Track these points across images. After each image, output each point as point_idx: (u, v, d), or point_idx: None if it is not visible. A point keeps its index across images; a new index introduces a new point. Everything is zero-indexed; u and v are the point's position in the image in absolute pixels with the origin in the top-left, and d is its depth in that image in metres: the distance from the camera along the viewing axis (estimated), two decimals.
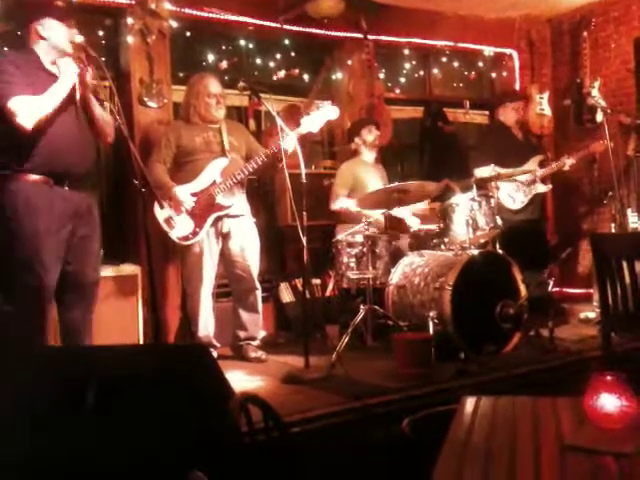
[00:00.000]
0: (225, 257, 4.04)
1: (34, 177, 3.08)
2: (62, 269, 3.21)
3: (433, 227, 4.34)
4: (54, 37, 3.14)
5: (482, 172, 4.89)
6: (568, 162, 5.05)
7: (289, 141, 3.72)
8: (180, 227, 3.87)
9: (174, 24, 4.67)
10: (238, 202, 4.00)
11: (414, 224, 4.69)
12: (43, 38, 3.15)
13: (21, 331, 3.14)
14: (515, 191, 5.04)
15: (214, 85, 3.97)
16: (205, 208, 3.88)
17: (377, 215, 4.34)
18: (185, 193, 3.87)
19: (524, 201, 5.05)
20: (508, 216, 4.79)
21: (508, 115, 5.19)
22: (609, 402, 1.52)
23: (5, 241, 3.12)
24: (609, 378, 1.55)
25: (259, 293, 4.12)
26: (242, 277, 4.04)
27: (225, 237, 4.00)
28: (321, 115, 3.85)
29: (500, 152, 4.98)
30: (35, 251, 3.07)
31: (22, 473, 1.60)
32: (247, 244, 4.04)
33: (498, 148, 5.05)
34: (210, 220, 3.89)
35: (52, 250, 3.12)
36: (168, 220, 3.89)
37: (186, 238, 3.89)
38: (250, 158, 3.99)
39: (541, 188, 5.10)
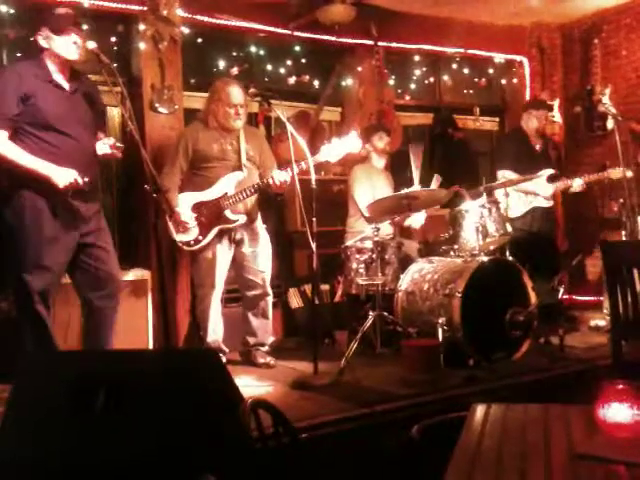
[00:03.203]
0: (237, 263, 4.04)
1: (40, 188, 3.09)
2: (83, 275, 3.27)
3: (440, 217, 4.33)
4: (54, 46, 3.14)
5: (508, 176, 4.87)
6: (574, 185, 5.00)
7: (282, 175, 3.75)
8: (185, 232, 3.90)
9: (186, 30, 4.70)
10: (249, 212, 3.99)
11: (418, 222, 4.68)
12: (46, 48, 3.16)
13: (25, 336, 3.17)
14: (517, 199, 5.00)
15: (236, 95, 3.88)
16: (211, 218, 3.89)
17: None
18: (185, 207, 3.87)
19: (522, 211, 5.02)
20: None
21: (529, 122, 5.15)
22: (620, 411, 1.51)
23: (11, 248, 3.16)
24: (620, 387, 1.54)
25: (270, 299, 4.12)
26: (254, 283, 4.04)
27: (238, 243, 4.01)
28: (342, 146, 3.79)
29: (516, 158, 4.98)
30: (37, 261, 3.11)
31: (36, 474, 1.61)
32: (260, 250, 4.04)
33: (515, 154, 5.04)
34: (214, 231, 3.89)
35: (54, 260, 3.15)
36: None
37: (188, 244, 3.91)
38: (261, 168, 4.04)
39: (542, 202, 5.03)
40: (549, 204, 5.12)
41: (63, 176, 3.06)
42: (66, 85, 3.22)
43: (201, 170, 3.95)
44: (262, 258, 4.04)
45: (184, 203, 3.89)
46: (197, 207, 3.90)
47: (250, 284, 4.05)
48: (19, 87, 3.07)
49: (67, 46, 3.13)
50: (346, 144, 3.79)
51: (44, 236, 3.11)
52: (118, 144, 3.29)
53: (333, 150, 3.78)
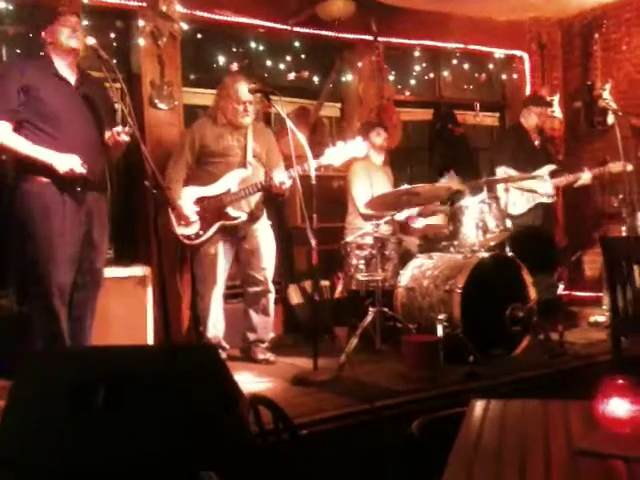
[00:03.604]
0: (240, 259, 4.05)
1: (48, 179, 3.11)
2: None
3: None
4: (52, 36, 3.18)
5: (506, 172, 4.87)
6: (583, 178, 4.99)
7: (281, 175, 3.75)
8: (186, 226, 3.90)
9: (185, 26, 4.69)
10: (252, 209, 3.99)
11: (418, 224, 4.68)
12: (49, 42, 3.20)
13: (37, 332, 3.17)
14: (519, 196, 5.00)
15: (244, 91, 3.87)
16: (213, 214, 3.89)
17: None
18: (188, 200, 3.87)
19: (525, 207, 5.02)
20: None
21: (529, 119, 5.15)
22: (620, 406, 1.51)
23: (20, 243, 3.16)
24: (620, 382, 1.55)
25: (272, 297, 4.12)
26: (257, 280, 4.04)
27: (241, 240, 4.01)
28: (347, 150, 3.79)
29: (514, 155, 4.98)
30: (50, 253, 3.11)
31: (35, 472, 1.61)
32: (263, 247, 4.03)
33: (513, 150, 5.03)
34: (215, 227, 3.90)
35: (66, 252, 3.15)
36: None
37: (188, 238, 3.91)
38: (267, 166, 4.03)
39: (544, 199, 5.04)
40: (552, 200, 5.12)
41: (64, 161, 3.07)
42: (72, 79, 3.24)
43: (206, 165, 3.95)
44: (265, 255, 4.04)
45: (187, 197, 3.90)
46: (200, 202, 3.91)
47: (252, 280, 4.05)
48: (20, 79, 3.09)
49: (63, 32, 3.15)
50: (350, 149, 3.78)
51: (55, 231, 3.11)
52: (120, 128, 3.23)
53: (337, 154, 3.78)
